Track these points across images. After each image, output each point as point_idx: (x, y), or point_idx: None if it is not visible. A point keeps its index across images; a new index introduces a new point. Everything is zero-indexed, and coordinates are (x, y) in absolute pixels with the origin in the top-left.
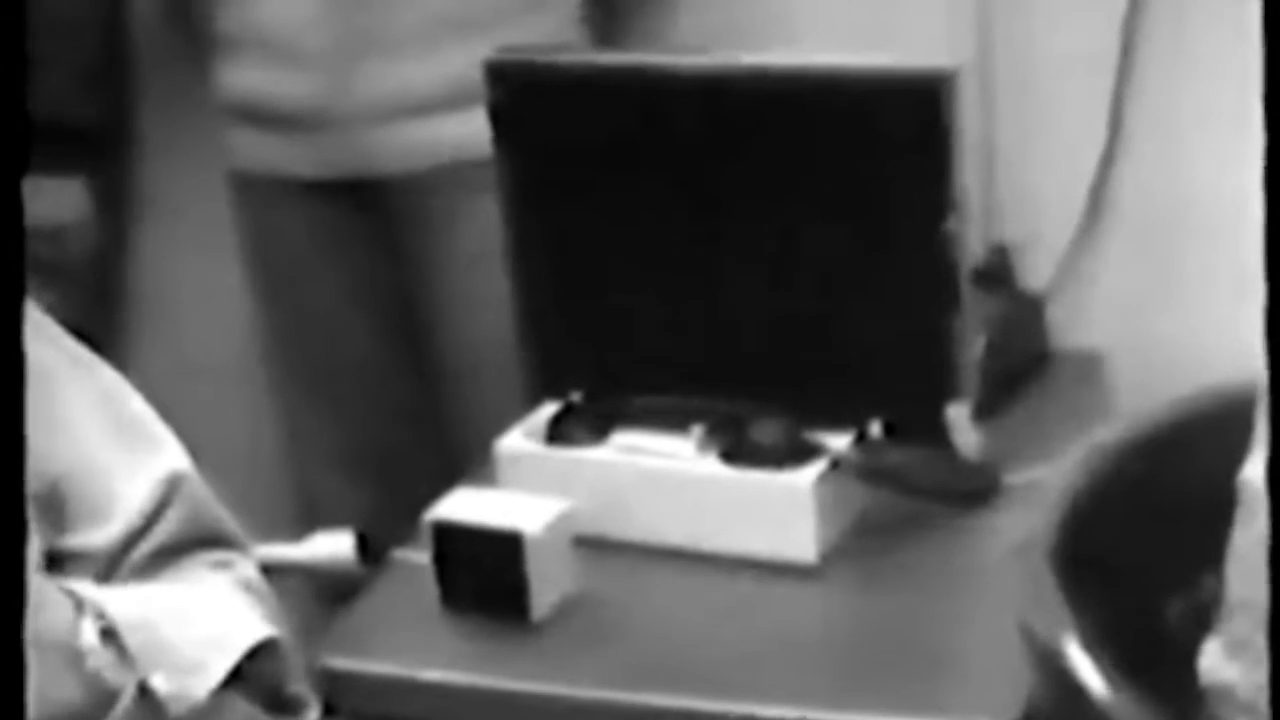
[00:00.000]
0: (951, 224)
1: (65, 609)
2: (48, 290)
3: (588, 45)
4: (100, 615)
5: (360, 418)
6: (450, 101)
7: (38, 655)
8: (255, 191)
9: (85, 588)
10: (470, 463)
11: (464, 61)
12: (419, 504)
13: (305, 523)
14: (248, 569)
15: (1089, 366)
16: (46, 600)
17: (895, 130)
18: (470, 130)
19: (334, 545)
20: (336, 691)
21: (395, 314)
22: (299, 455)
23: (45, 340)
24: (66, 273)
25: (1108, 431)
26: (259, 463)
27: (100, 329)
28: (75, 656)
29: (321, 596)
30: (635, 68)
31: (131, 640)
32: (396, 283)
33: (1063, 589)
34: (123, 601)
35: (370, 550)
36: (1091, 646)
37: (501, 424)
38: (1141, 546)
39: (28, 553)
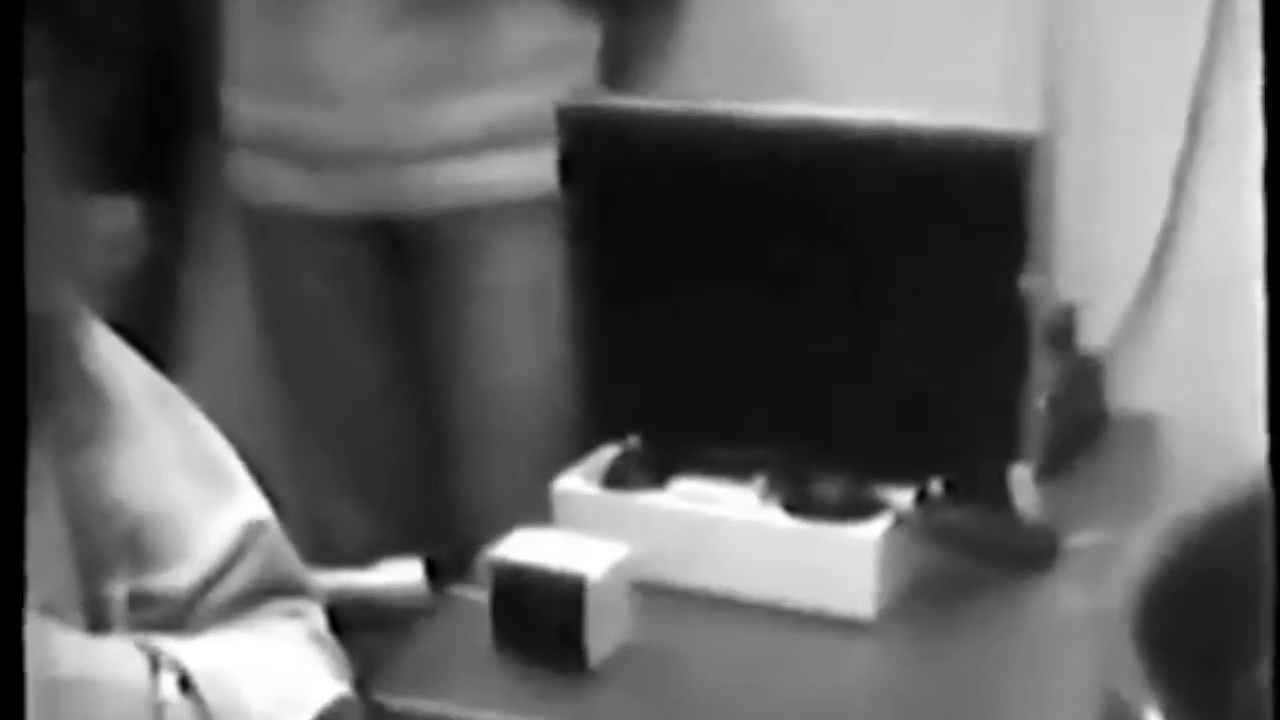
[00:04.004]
0: (1026, 284)
1: (139, 663)
2: (106, 299)
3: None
4: (178, 668)
5: (371, 451)
6: (486, 143)
7: (114, 708)
8: (267, 225)
9: (163, 640)
10: (496, 503)
11: (498, 105)
12: (437, 541)
13: (318, 556)
14: (318, 620)
15: (1145, 429)
16: (120, 655)
17: (974, 190)
18: (504, 173)
19: (404, 573)
20: None
21: (413, 351)
22: (312, 488)
23: (131, 376)
24: (122, 283)
25: (1195, 502)
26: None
27: (154, 341)
28: (155, 709)
29: (370, 629)
30: (705, 116)
31: (210, 697)
32: (417, 320)
33: (1143, 658)
34: (200, 655)
35: (438, 578)
36: (1170, 717)
37: (530, 463)
38: (1220, 619)
39: (113, 593)
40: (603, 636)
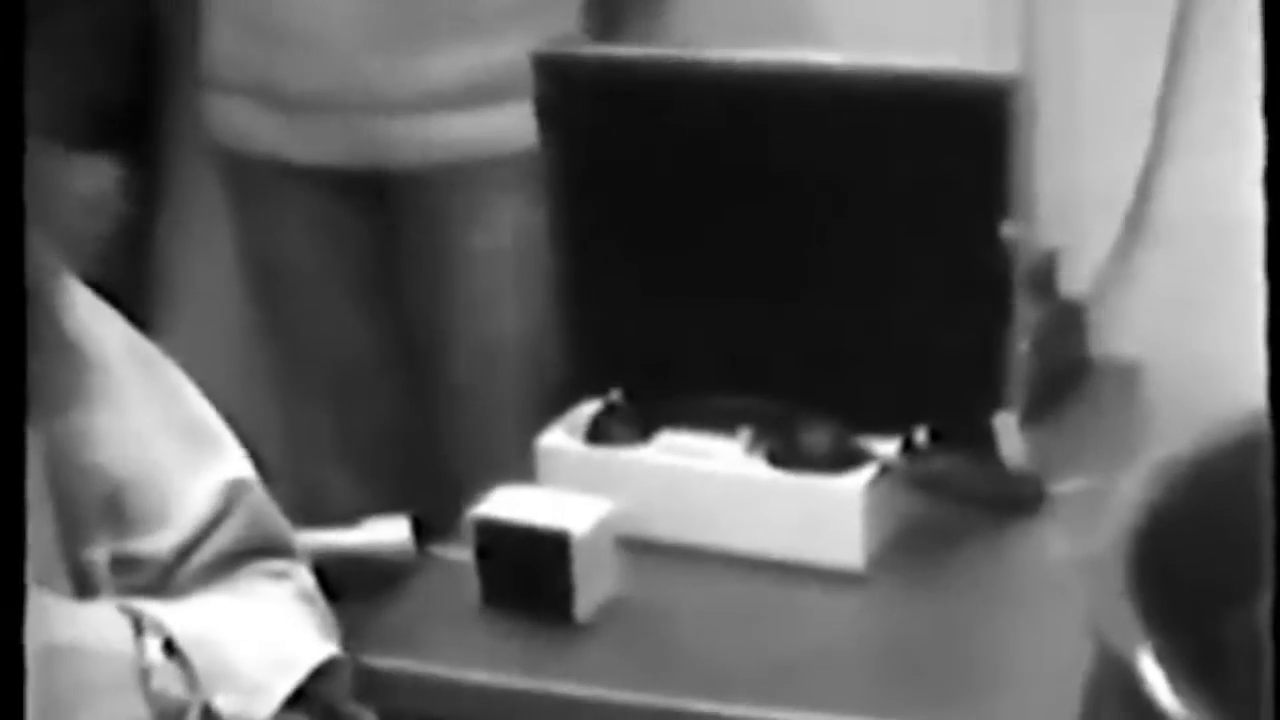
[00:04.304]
0: (1007, 230)
1: (123, 627)
2: (85, 260)
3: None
4: (162, 631)
5: (356, 409)
6: (469, 95)
7: (100, 673)
8: (249, 176)
9: (147, 605)
10: (475, 461)
11: (482, 57)
12: (422, 501)
13: (304, 517)
14: (305, 579)
15: (1128, 375)
16: (104, 619)
17: (956, 134)
18: (489, 126)
19: (390, 531)
20: (375, 690)
21: (397, 308)
22: (296, 449)
23: (111, 337)
24: (100, 244)
25: (1183, 445)
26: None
27: (133, 302)
28: (140, 674)
29: (357, 589)
30: (686, 62)
31: (196, 659)
32: (401, 276)
33: (1135, 601)
34: (185, 618)
35: (424, 536)
36: (1163, 661)
37: (511, 422)
38: (1210, 560)
39: (95, 557)
40: (589, 592)
